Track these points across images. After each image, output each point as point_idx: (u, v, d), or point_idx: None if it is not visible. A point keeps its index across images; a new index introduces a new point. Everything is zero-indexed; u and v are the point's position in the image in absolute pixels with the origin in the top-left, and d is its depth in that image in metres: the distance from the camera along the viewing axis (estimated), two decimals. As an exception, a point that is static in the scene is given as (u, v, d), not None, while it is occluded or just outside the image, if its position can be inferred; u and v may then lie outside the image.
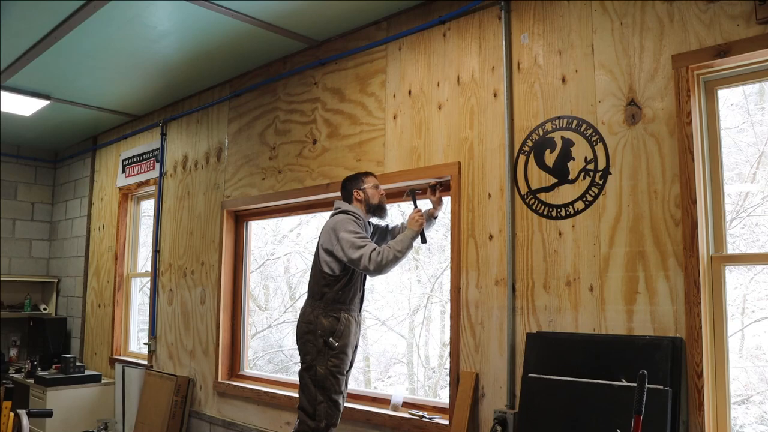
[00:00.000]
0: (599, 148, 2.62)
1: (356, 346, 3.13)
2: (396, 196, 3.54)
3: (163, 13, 3.49)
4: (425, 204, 3.17)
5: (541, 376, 2.57)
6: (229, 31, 3.72)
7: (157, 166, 5.28)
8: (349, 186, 3.14)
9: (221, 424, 4.32)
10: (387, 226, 3.29)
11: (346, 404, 3.49)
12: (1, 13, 3.48)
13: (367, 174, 3.17)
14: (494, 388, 2.86)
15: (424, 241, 2.99)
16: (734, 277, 3.50)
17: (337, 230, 2.95)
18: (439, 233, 4.91)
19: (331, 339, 2.95)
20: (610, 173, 2.58)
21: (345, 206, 3.10)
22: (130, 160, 5.68)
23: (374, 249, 2.83)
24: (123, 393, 5.13)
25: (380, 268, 2.83)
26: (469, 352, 2.98)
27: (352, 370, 3.23)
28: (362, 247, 2.85)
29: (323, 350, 2.95)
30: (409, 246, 2.88)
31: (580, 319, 2.61)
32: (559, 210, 2.72)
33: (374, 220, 3.21)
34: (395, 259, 2.84)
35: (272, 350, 6.10)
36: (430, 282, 5.10)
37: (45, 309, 6.57)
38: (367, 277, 3.19)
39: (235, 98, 4.57)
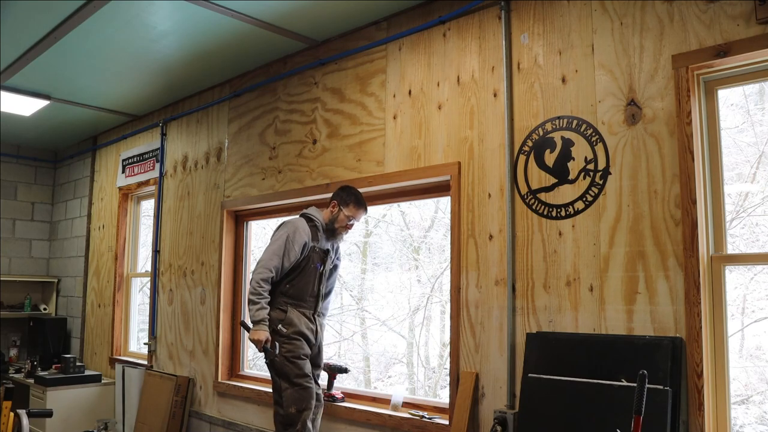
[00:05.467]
0: (599, 148, 2.62)
1: (318, 343, 3.26)
2: (395, 196, 3.55)
3: (163, 13, 3.49)
4: None
5: (541, 376, 2.57)
6: (229, 31, 3.72)
7: (157, 166, 5.28)
8: (337, 197, 3.27)
9: (221, 424, 4.32)
10: (336, 266, 3.43)
11: (346, 404, 3.50)
12: (1, 13, 3.48)
13: (359, 206, 3.26)
14: (494, 388, 2.86)
15: (245, 327, 3.17)
16: (734, 277, 3.50)
17: (282, 232, 3.15)
18: (439, 233, 4.91)
19: (280, 326, 3.09)
20: (610, 173, 2.58)
21: (310, 213, 3.28)
22: (130, 160, 5.68)
23: (264, 277, 3.06)
24: (123, 393, 5.13)
25: (252, 284, 3.08)
26: (469, 352, 2.98)
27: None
28: (266, 267, 3.08)
29: (276, 339, 3.08)
30: (253, 304, 3.05)
31: (580, 319, 2.61)
32: (559, 210, 2.72)
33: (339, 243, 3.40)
34: (252, 293, 3.06)
35: (272, 350, 6.08)
36: (430, 282, 5.09)
37: (45, 309, 6.57)
38: (328, 278, 3.36)
39: (235, 98, 4.57)
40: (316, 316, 3.24)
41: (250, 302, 3.05)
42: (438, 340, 5.07)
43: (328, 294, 3.42)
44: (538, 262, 2.77)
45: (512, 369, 2.79)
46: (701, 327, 2.26)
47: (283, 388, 3.06)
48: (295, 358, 3.07)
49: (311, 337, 3.19)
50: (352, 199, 3.24)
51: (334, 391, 3.59)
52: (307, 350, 3.15)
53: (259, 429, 4.03)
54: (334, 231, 3.27)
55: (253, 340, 3.02)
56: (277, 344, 3.06)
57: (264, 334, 3.01)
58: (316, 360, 3.26)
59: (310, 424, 3.05)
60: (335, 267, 3.42)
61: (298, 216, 3.31)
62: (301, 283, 3.16)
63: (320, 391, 3.29)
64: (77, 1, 3.36)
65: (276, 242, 3.12)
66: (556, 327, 2.68)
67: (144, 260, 5.84)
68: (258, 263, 3.11)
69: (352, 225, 3.29)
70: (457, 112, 3.15)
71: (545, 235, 2.76)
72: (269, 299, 3.08)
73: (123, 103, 5.21)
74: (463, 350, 3.00)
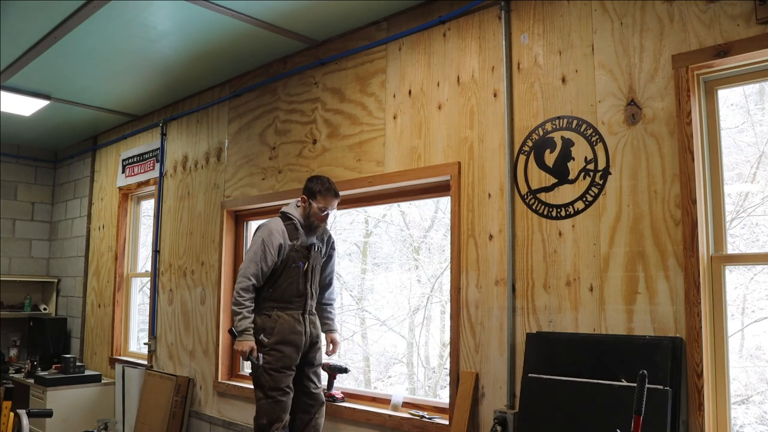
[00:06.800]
0: (599, 148, 2.62)
1: (310, 343, 3.22)
2: (395, 196, 3.55)
3: (163, 13, 3.49)
4: None
5: (541, 376, 2.57)
6: (229, 31, 3.72)
7: (157, 166, 5.28)
8: (305, 191, 3.24)
9: (221, 424, 4.32)
10: (331, 256, 3.43)
11: (346, 404, 3.51)
12: (1, 13, 3.48)
13: (328, 193, 3.19)
14: (494, 388, 2.86)
15: (233, 335, 3.14)
16: (734, 277, 3.50)
17: (257, 236, 3.14)
18: (439, 233, 4.91)
19: (261, 336, 3.07)
20: (610, 173, 2.58)
21: (288, 210, 3.25)
22: (130, 160, 5.68)
23: (243, 287, 3.06)
24: (123, 393, 5.13)
25: (233, 295, 3.10)
26: (469, 352, 2.98)
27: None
28: (245, 276, 3.07)
29: (258, 349, 3.07)
30: (235, 315, 3.08)
31: (580, 319, 2.61)
32: (559, 210, 2.72)
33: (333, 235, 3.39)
34: (234, 303, 3.08)
35: (272, 350, 6.08)
36: (430, 282, 5.09)
37: (45, 309, 6.57)
38: (323, 269, 3.36)
39: (235, 98, 4.57)
40: (306, 316, 3.20)
41: (233, 313, 3.08)
42: (438, 340, 5.07)
43: (329, 285, 3.43)
44: (538, 262, 2.77)
45: (512, 369, 2.79)
46: (701, 327, 2.26)
47: (257, 398, 3.08)
48: (272, 370, 3.04)
49: (299, 340, 3.14)
50: (319, 188, 3.18)
51: (334, 391, 3.59)
52: (291, 360, 3.10)
53: (259, 429, 4.03)
54: (311, 226, 3.21)
55: (237, 351, 3.06)
56: (260, 355, 3.06)
57: (247, 344, 3.02)
58: (307, 357, 3.23)
59: None
60: (330, 257, 3.42)
61: (277, 216, 3.27)
62: (284, 284, 3.13)
63: (320, 391, 3.29)
64: (77, 1, 3.36)
65: (252, 248, 3.12)
66: (556, 327, 2.68)
67: (144, 260, 5.84)
68: (239, 273, 3.12)
69: (326, 215, 3.21)
70: (457, 112, 3.15)
71: (545, 235, 2.76)
72: (251, 308, 3.07)
73: (123, 103, 5.21)
74: (463, 350, 3.00)
